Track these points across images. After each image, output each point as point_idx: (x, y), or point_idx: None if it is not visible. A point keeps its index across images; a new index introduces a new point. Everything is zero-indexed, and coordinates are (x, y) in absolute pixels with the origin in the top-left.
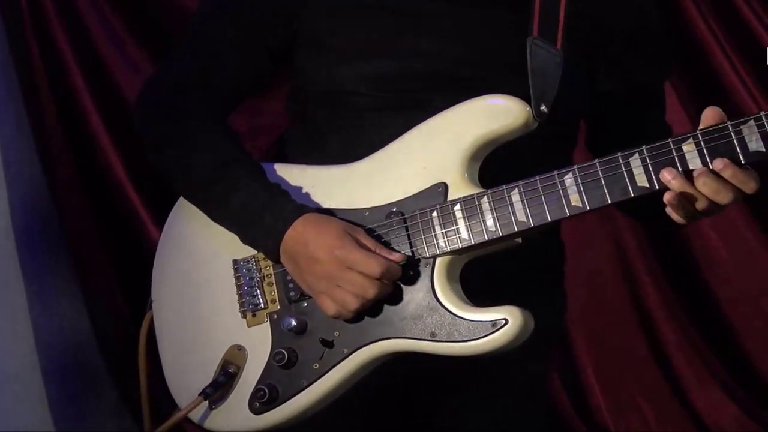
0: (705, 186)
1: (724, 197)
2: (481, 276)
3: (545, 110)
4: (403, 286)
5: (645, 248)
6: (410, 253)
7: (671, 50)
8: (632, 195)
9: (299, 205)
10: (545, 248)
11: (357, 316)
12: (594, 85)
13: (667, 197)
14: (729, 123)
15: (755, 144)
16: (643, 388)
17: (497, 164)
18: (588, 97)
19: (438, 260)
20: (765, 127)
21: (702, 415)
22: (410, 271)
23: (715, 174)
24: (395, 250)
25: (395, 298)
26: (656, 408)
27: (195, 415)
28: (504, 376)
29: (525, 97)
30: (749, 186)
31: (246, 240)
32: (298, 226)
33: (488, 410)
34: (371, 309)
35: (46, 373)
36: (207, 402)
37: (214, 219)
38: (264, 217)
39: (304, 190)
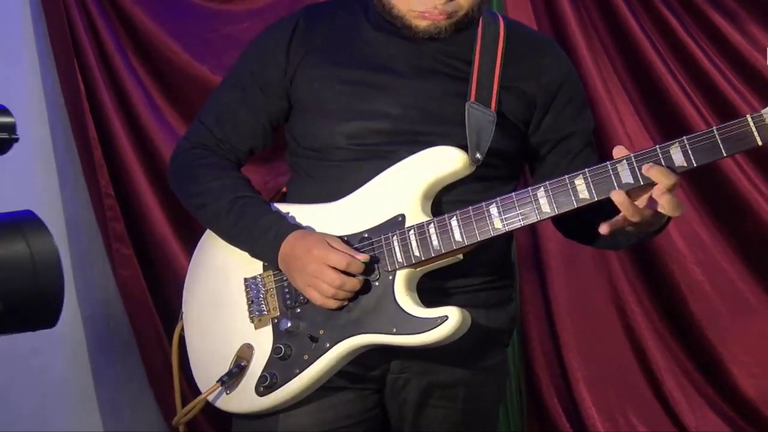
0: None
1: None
2: (438, 287)
3: (479, 157)
4: (372, 294)
5: (634, 282)
6: (376, 268)
7: (587, 105)
8: (538, 219)
9: (293, 225)
10: (493, 267)
11: (341, 309)
12: (527, 137)
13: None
14: (608, 162)
15: (626, 176)
16: (638, 410)
17: (450, 199)
18: (518, 147)
19: (398, 273)
20: (634, 165)
21: None
22: (376, 282)
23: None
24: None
25: (366, 303)
26: (651, 429)
27: (214, 399)
28: (461, 368)
29: (464, 147)
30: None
31: (254, 254)
32: (290, 238)
33: (449, 396)
34: (349, 311)
35: None
36: (223, 387)
37: (230, 242)
38: (267, 235)
39: (299, 223)
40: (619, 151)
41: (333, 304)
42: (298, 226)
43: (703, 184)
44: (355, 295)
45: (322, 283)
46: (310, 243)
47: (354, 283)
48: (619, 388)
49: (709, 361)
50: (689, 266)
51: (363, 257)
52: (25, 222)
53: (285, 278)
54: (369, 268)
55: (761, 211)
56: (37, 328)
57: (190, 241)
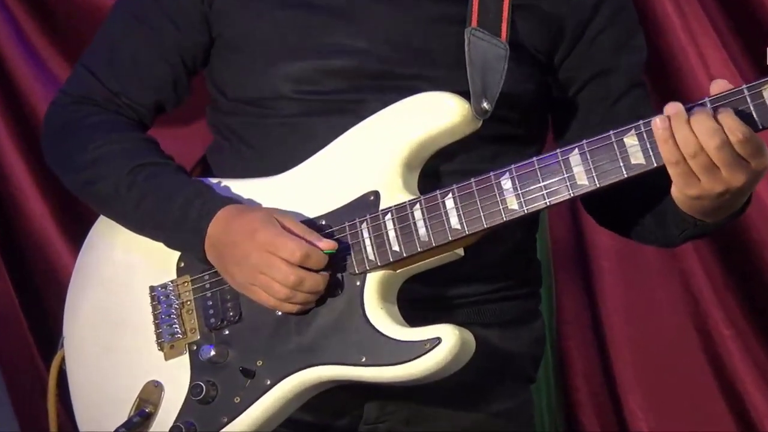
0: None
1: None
2: (428, 297)
3: (488, 107)
4: (333, 308)
5: (722, 290)
6: (338, 270)
7: (639, 29)
8: (571, 195)
9: (225, 197)
10: (509, 267)
11: (305, 315)
12: (551, 76)
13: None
14: (612, 133)
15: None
16: None
17: (447, 170)
18: (540, 92)
19: (369, 277)
20: (710, 112)
21: None
22: (338, 289)
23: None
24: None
25: (324, 321)
26: None
27: None
28: (465, 413)
29: (465, 94)
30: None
31: (169, 243)
32: (221, 215)
33: None
34: (299, 333)
35: None
36: None
37: (135, 229)
38: (188, 213)
39: (234, 195)
40: (719, 87)
41: (290, 308)
42: (232, 200)
43: None
44: (322, 299)
45: (272, 281)
46: (252, 224)
47: (316, 281)
48: None
49: None
50: None
51: (328, 245)
52: None
53: (208, 285)
54: (338, 259)
55: None
56: None
57: (82, 240)
